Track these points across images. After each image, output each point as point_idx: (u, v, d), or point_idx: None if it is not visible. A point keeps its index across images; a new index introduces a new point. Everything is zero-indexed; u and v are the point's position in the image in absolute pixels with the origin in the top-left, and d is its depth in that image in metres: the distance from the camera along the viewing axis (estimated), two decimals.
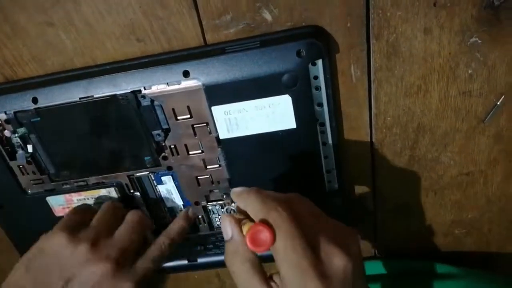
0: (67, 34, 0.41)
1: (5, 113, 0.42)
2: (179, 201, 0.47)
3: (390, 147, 0.45)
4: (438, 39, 0.39)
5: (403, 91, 0.42)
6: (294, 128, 0.40)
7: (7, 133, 0.44)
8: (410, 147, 0.45)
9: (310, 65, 0.38)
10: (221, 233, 0.49)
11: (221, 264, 0.53)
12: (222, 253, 0.52)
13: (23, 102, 0.42)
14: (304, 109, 0.40)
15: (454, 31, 0.38)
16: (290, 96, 0.39)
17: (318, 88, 0.40)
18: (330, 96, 0.40)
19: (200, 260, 0.53)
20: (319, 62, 0.38)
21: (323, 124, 0.42)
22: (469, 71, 0.40)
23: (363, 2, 0.37)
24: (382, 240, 0.54)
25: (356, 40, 0.39)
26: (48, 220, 0.48)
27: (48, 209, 0.48)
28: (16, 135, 0.44)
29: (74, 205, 0.47)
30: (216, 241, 0.51)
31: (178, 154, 0.43)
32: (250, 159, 0.43)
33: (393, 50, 0.39)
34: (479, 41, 0.38)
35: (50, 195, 0.47)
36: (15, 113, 0.42)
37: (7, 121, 0.43)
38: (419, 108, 0.43)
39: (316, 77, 0.39)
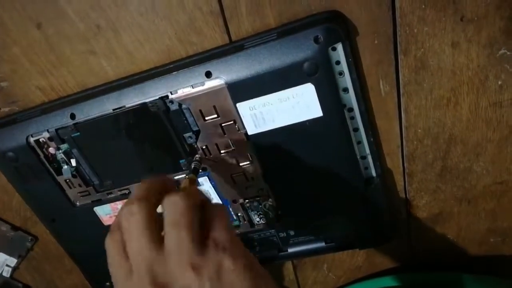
0: (108, 62, 0.43)
1: (48, 131, 0.45)
2: (217, 201, 0.48)
3: (422, 158, 0.45)
4: (466, 52, 0.38)
5: (433, 103, 0.42)
6: (321, 117, 0.40)
7: (51, 150, 0.46)
8: (441, 158, 0.45)
9: (330, 51, 0.38)
10: (263, 229, 0.50)
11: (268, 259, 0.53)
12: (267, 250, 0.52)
13: (62, 119, 0.44)
14: (329, 96, 0.39)
15: (482, 44, 0.38)
16: (313, 84, 0.38)
17: (341, 73, 0.39)
18: (356, 80, 0.39)
19: None
20: (339, 47, 0.38)
21: (351, 110, 0.41)
22: (499, 82, 0.40)
23: (390, 19, 0.37)
24: (416, 249, 0.54)
25: (384, 56, 0.39)
26: (98, 230, 0.51)
27: (96, 219, 0.50)
28: (60, 151, 0.46)
29: None
30: (258, 239, 0.51)
31: (210, 154, 0.44)
32: (281, 152, 0.43)
33: (421, 65, 0.39)
34: (508, 53, 0.38)
35: (97, 205, 0.50)
36: (56, 130, 0.45)
37: (50, 138, 0.45)
38: (449, 120, 0.42)
39: (338, 62, 0.38)
